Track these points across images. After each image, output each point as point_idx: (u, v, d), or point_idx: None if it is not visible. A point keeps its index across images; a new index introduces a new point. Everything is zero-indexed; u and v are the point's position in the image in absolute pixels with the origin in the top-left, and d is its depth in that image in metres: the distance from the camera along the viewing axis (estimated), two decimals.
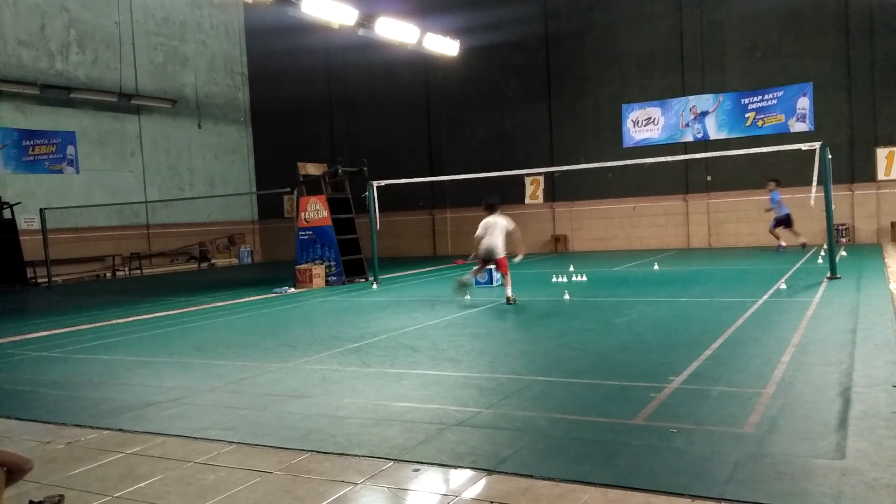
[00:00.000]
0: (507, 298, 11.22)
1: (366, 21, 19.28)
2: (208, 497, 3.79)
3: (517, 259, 12.46)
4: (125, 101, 26.14)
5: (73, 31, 24.94)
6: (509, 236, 11.69)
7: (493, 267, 14.25)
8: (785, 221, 18.34)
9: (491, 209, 11.67)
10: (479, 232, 11.57)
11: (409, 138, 27.53)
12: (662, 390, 5.36)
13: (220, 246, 29.51)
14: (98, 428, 5.21)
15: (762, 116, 21.69)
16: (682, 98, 22.67)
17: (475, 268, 12.49)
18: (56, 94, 24.00)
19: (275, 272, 20.98)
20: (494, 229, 11.48)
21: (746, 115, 21.90)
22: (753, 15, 21.74)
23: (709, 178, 22.55)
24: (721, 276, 14.13)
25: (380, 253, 17.02)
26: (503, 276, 11.63)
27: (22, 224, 22.43)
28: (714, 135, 22.29)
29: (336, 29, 19.44)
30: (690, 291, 11.73)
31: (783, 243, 18.54)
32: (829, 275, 12.02)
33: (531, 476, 3.79)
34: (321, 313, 11.59)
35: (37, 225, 22.16)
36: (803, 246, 18.41)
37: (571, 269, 16.33)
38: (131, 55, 26.66)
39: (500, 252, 11.52)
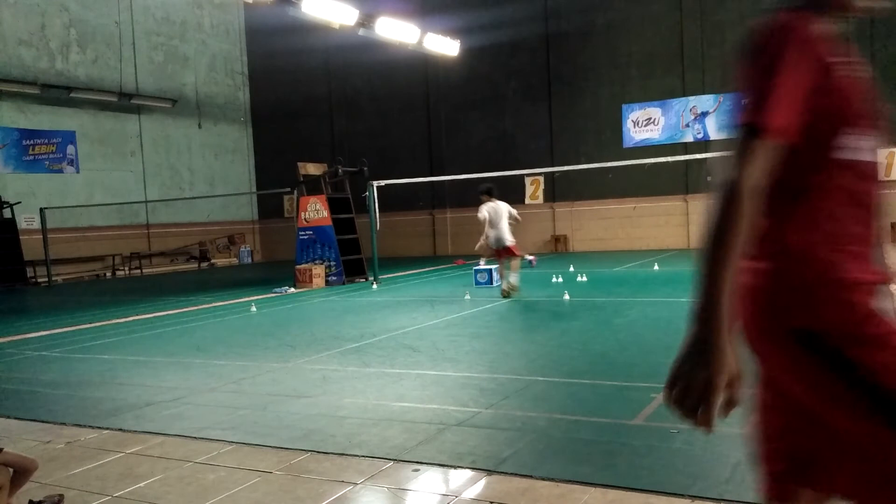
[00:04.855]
0: (506, 289, 11.45)
1: (366, 21, 19.29)
2: (208, 497, 3.79)
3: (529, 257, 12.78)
4: (125, 101, 26.14)
5: (74, 30, 24.94)
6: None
7: (492, 267, 14.26)
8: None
9: (490, 194, 11.78)
10: (483, 214, 11.60)
11: (409, 138, 27.53)
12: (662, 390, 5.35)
13: (220, 246, 29.51)
14: (98, 428, 5.21)
15: None
16: (683, 98, 22.68)
17: (497, 266, 12.33)
18: (56, 93, 24.01)
19: (275, 272, 20.99)
20: (499, 216, 11.63)
21: None
22: (753, 15, 21.60)
23: (709, 178, 22.50)
24: None
25: (380, 253, 17.02)
26: (511, 262, 11.72)
27: (22, 224, 22.43)
28: (715, 135, 22.29)
29: (336, 29, 19.45)
30: (691, 292, 11.71)
31: (529, 257, 17.91)
32: None
33: (531, 476, 3.79)
34: (321, 313, 11.59)
35: (37, 224, 22.16)
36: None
37: (571, 269, 16.34)
38: (131, 55, 26.66)
39: (510, 239, 11.68)
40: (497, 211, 11.75)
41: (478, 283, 14.07)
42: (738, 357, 1.53)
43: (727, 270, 1.53)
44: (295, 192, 18.25)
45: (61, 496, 3.77)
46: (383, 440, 4.54)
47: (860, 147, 1.59)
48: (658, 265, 16.64)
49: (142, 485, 4.03)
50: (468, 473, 3.93)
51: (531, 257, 18.66)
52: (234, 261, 29.02)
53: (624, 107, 23.56)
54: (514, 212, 12.08)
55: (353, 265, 17.04)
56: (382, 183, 16.70)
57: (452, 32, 23.32)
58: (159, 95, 27.49)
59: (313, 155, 23.42)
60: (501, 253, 11.93)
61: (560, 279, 14.24)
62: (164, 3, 28.04)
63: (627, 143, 23.50)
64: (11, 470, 3.45)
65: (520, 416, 4.93)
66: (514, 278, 11.83)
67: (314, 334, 9.23)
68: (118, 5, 26.14)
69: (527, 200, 25.10)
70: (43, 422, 5.49)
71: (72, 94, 24.29)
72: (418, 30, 21.19)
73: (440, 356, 7.23)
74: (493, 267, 14.31)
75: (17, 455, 3.52)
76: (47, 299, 17.18)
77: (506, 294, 11.63)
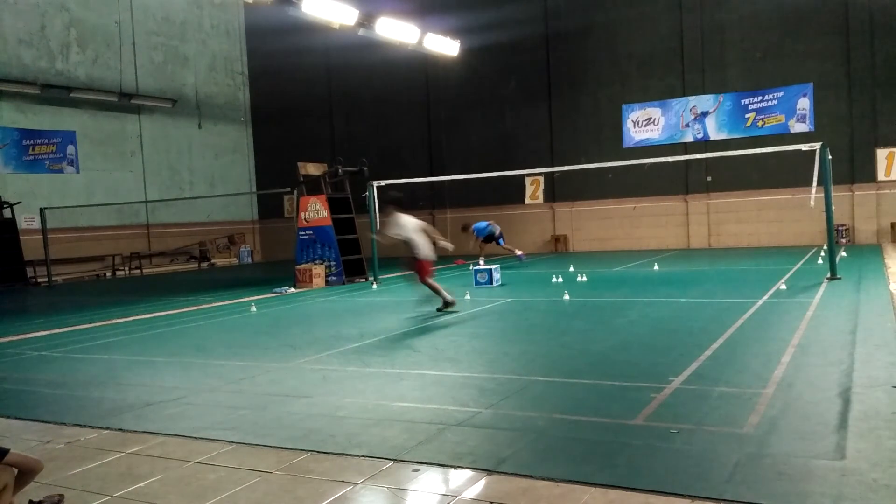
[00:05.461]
0: (446, 303, 10.36)
1: (366, 21, 19.27)
2: (208, 497, 3.79)
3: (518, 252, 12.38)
4: (125, 101, 26.14)
5: (74, 30, 24.94)
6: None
7: (491, 267, 14.24)
8: (494, 237, 19.61)
9: (399, 204, 10.68)
10: (397, 231, 10.43)
11: (409, 138, 27.54)
12: (662, 390, 5.36)
13: (220, 246, 29.51)
14: (98, 428, 5.21)
15: (762, 117, 21.70)
16: (683, 98, 22.68)
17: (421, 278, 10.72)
18: (56, 93, 24.01)
19: (275, 272, 20.98)
20: (411, 229, 10.48)
21: (747, 116, 21.90)
22: (753, 15, 21.75)
23: (709, 178, 22.55)
24: (721, 276, 14.13)
25: (380, 253, 17.02)
26: (424, 281, 10.51)
27: (22, 223, 22.43)
28: (714, 135, 22.29)
29: (336, 29, 19.44)
30: (690, 292, 11.73)
31: (518, 252, 19.74)
32: (828, 275, 12.02)
33: (531, 476, 3.79)
34: (321, 313, 11.59)
35: (37, 224, 22.16)
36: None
37: (571, 269, 16.34)
38: (131, 55, 26.66)
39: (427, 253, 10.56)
40: (409, 225, 10.58)
41: (478, 283, 14.07)
42: None
43: None
44: (295, 192, 18.24)
45: (61, 496, 3.77)
46: (383, 440, 4.54)
47: None
48: (658, 265, 16.63)
49: (142, 485, 4.03)
50: (468, 473, 3.93)
51: (520, 252, 19.72)
52: (234, 261, 29.01)
53: (624, 107, 23.55)
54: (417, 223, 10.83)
55: (353, 265, 17.04)
56: (382, 183, 16.70)
57: (452, 32, 23.31)
58: (159, 95, 27.49)
59: (313, 155, 23.40)
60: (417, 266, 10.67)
61: (560, 279, 14.23)
62: (164, 3, 28.04)
63: (627, 143, 23.49)
64: (15, 470, 3.46)
65: (520, 416, 4.93)
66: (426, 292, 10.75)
67: (314, 334, 9.23)
68: (118, 5, 26.14)
69: (527, 200, 25.11)
70: (43, 422, 5.49)
71: (72, 94, 24.29)
72: (418, 30, 21.17)
73: (440, 356, 7.23)
74: (494, 266, 14.30)
75: (22, 456, 3.53)
76: (47, 299, 17.18)
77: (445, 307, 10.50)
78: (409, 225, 10.61)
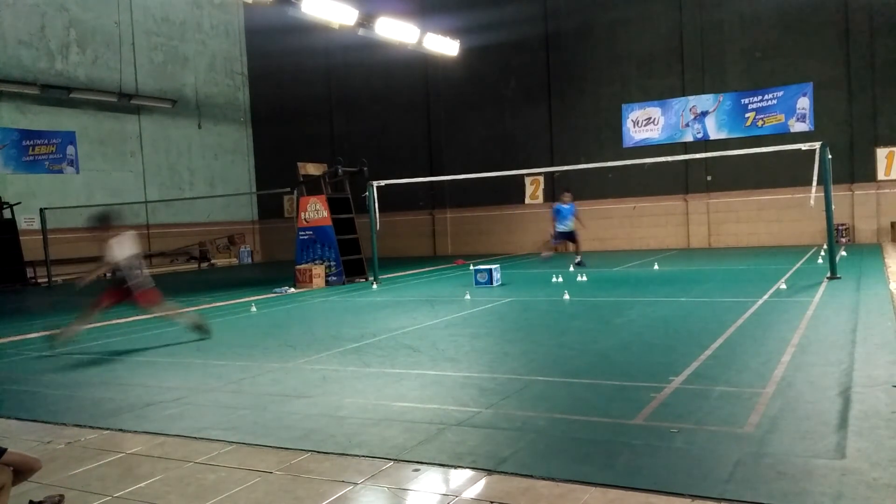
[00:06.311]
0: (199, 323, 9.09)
1: (366, 21, 19.28)
2: (208, 497, 3.79)
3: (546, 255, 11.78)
4: (125, 101, 26.14)
5: (73, 31, 24.94)
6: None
7: (492, 267, 14.22)
8: (569, 237, 17.67)
9: (106, 222, 8.75)
10: (121, 252, 8.58)
11: (408, 138, 27.54)
12: (662, 390, 5.36)
13: (220, 246, 29.51)
14: (98, 428, 5.21)
15: (762, 116, 21.70)
16: (682, 98, 22.67)
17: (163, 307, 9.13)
18: (56, 94, 24.00)
19: (275, 272, 20.99)
20: (129, 250, 8.70)
21: (746, 115, 21.90)
22: (753, 15, 21.74)
23: (709, 178, 22.55)
24: (721, 276, 14.13)
25: (380, 253, 17.02)
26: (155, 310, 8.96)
27: (22, 224, 22.43)
28: (714, 135, 22.29)
29: (336, 29, 19.45)
30: (690, 291, 11.73)
31: (546, 253, 18.43)
32: (828, 275, 12.02)
33: (531, 476, 3.79)
34: (321, 313, 11.59)
35: (37, 225, 22.16)
36: (578, 263, 16.87)
37: (571, 269, 16.34)
38: (131, 55, 26.66)
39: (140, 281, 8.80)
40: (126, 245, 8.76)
41: (478, 282, 14.07)
42: None
43: None
44: (295, 192, 18.24)
45: (61, 496, 3.77)
46: (383, 440, 4.54)
47: None
48: (658, 265, 16.63)
49: (142, 485, 4.03)
50: (468, 473, 3.92)
51: (547, 254, 17.88)
52: (234, 261, 29.01)
53: (624, 106, 23.55)
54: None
55: (353, 265, 17.04)
56: (382, 183, 16.70)
57: (452, 32, 23.30)
58: (159, 96, 27.49)
59: (313, 155, 23.41)
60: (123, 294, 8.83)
61: (560, 279, 14.23)
62: (164, 3, 28.03)
63: (627, 143, 23.50)
64: (12, 469, 3.45)
65: (520, 416, 4.93)
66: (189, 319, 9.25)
67: (314, 334, 9.23)
68: (118, 5, 26.14)
69: (527, 200, 25.11)
70: (43, 422, 5.49)
71: (72, 95, 24.29)
72: (418, 30, 21.17)
73: (440, 356, 7.23)
74: (494, 266, 14.29)
75: (20, 455, 3.52)
76: (47, 299, 17.18)
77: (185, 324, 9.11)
78: (125, 245, 8.71)
